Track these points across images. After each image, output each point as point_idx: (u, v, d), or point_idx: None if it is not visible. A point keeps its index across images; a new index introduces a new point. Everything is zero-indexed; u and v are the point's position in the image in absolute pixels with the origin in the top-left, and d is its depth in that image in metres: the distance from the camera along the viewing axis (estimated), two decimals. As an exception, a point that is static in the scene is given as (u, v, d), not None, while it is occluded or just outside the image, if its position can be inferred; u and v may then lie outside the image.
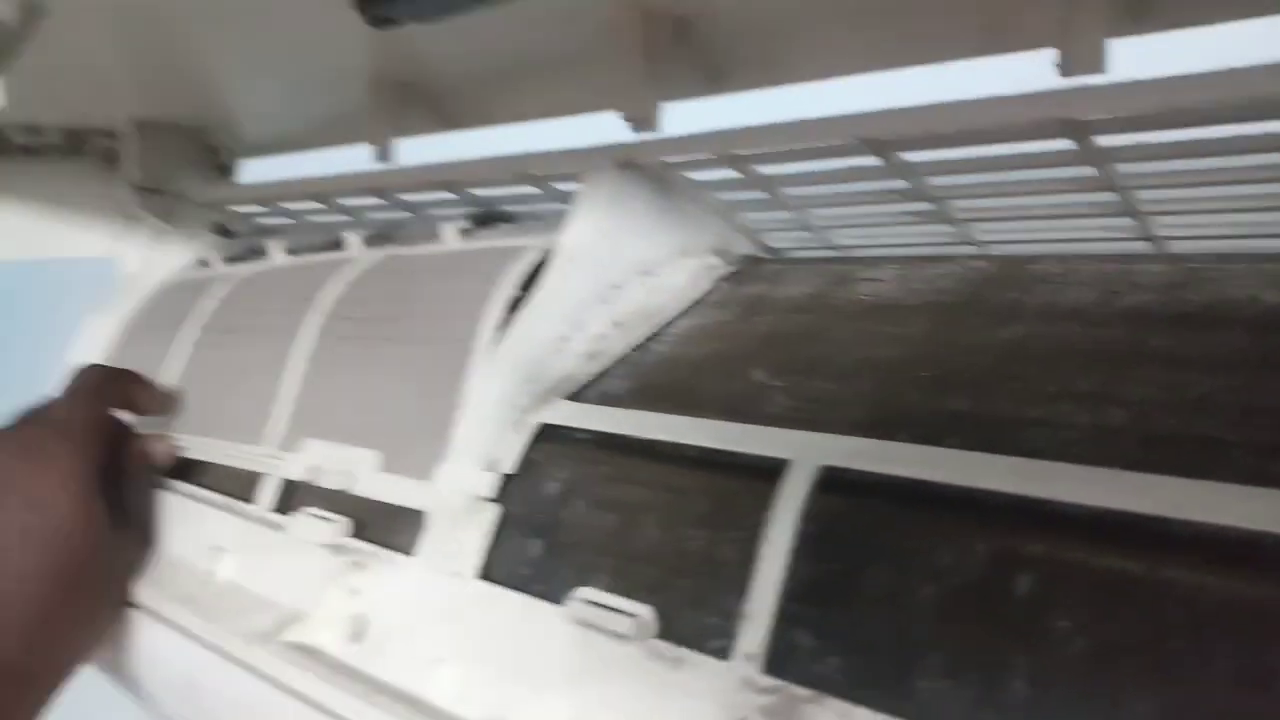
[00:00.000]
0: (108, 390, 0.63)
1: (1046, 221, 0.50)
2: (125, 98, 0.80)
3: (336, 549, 0.51)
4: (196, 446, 0.64)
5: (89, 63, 0.66)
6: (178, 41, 0.61)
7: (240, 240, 0.85)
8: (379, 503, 0.51)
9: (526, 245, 0.55)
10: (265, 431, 0.60)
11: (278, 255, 0.74)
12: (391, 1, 0.46)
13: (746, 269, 0.57)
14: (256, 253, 0.77)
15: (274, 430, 0.60)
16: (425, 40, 0.50)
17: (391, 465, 0.51)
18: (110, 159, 0.90)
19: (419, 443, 0.50)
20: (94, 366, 0.66)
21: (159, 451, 0.64)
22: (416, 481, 0.49)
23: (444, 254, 0.60)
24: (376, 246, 0.67)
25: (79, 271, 0.96)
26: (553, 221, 0.59)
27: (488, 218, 0.65)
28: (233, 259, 0.79)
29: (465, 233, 0.62)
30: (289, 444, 0.58)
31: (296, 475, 0.56)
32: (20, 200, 0.87)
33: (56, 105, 0.81)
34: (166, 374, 0.70)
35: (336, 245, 0.70)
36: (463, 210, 0.71)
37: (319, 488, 0.55)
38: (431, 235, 0.63)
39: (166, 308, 0.79)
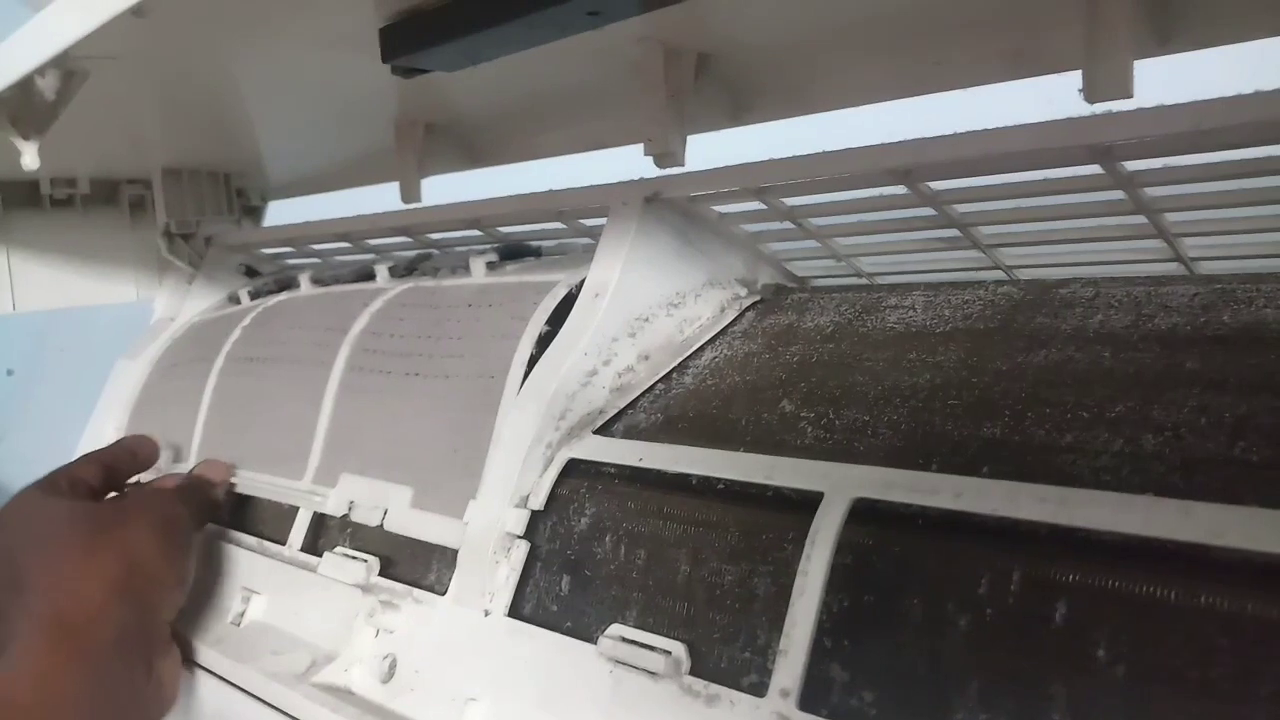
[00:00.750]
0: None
1: (1074, 245, 0.49)
2: (155, 149, 0.82)
3: (367, 588, 0.51)
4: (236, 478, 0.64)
5: (121, 118, 0.67)
6: (208, 93, 0.62)
7: (269, 275, 0.86)
8: (409, 540, 0.51)
9: (555, 279, 0.55)
10: (300, 465, 0.60)
11: (306, 286, 0.74)
12: (416, 53, 0.47)
13: (773, 298, 0.57)
14: (285, 286, 0.78)
15: (310, 464, 0.60)
16: (450, 82, 0.51)
17: (422, 502, 0.51)
18: (140, 207, 0.91)
19: (450, 479, 0.50)
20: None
21: (219, 473, 0.64)
22: (447, 519, 0.49)
23: (473, 287, 0.61)
24: (404, 279, 0.67)
25: (112, 317, 0.98)
26: (581, 255, 0.60)
27: (515, 251, 0.65)
28: (260, 293, 0.80)
29: (492, 266, 0.62)
30: (324, 478, 0.58)
31: (332, 510, 0.55)
32: (54, 250, 0.89)
33: (89, 158, 0.83)
34: (200, 408, 0.71)
35: (367, 276, 0.70)
36: (490, 245, 0.71)
37: (349, 526, 0.55)
38: (460, 268, 0.63)
39: (198, 344, 0.79)
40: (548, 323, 0.52)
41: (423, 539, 0.50)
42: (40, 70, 0.44)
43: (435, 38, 0.47)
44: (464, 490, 0.49)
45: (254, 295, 0.80)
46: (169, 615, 0.53)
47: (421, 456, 0.53)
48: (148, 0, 0.35)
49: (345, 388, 0.60)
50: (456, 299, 0.60)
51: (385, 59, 0.49)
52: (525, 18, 0.43)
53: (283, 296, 0.75)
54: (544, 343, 0.52)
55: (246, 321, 0.74)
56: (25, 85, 0.46)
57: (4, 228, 0.86)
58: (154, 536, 0.53)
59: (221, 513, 0.63)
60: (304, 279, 0.74)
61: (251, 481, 0.62)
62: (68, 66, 0.46)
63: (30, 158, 0.52)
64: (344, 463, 0.57)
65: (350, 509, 0.54)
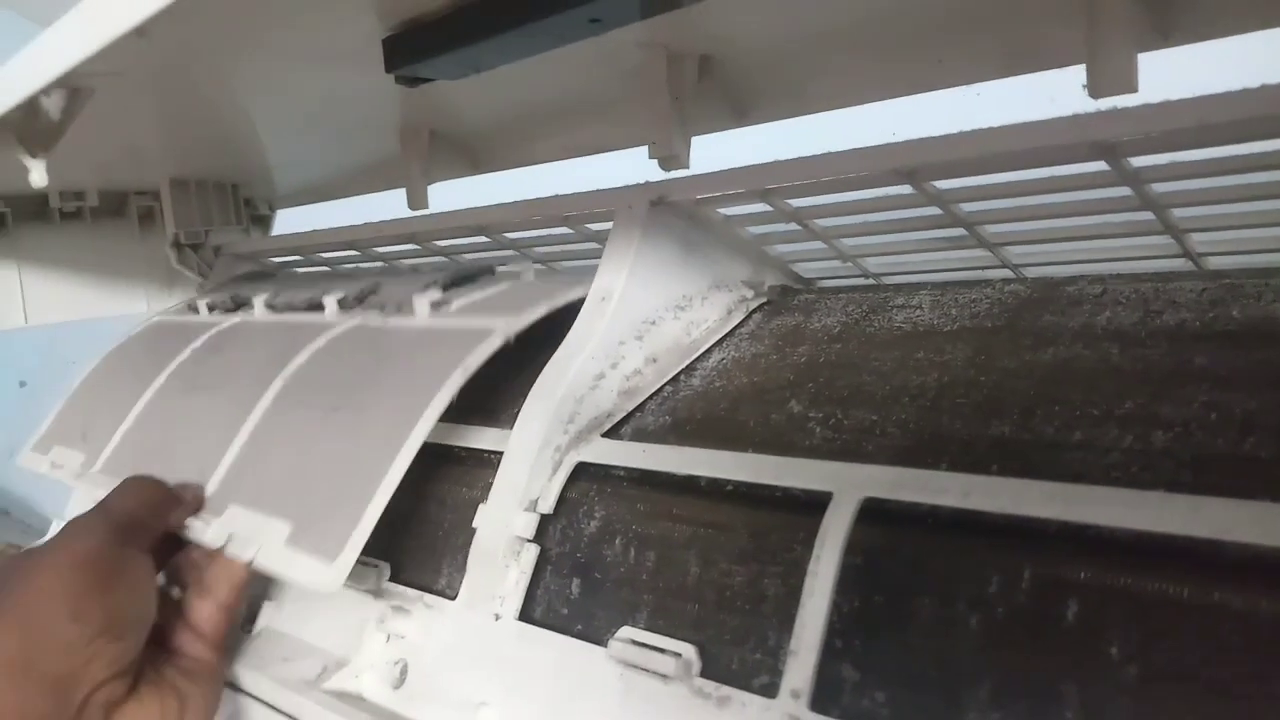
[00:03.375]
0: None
1: (1081, 242, 0.49)
2: (162, 160, 0.82)
3: (378, 593, 0.51)
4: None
5: (129, 131, 0.67)
6: (214, 105, 0.62)
7: (226, 288, 0.85)
8: (412, 544, 0.51)
9: (492, 327, 0.53)
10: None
11: (259, 309, 0.72)
12: (419, 62, 0.47)
13: (779, 300, 0.57)
14: (241, 304, 0.76)
15: (206, 491, 0.56)
16: (453, 89, 0.51)
17: (298, 539, 0.48)
18: (149, 218, 0.92)
19: (329, 519, 0.47)
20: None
21: (191, 497, 0.57)
22: (317, 560, 0.45)
23: (414, 331, 0.58)
24: (355, 308, 0.65)
25: (122, 328, 0.98)
26: (530, 289, 0.59)
27: (469, 275, 0.63)
28: (216, 307, 0.79)
29: (438, 305, 0.59)
30: (215, 507, 0.54)
31: (211, 540, 0.51)
32: (64, 263, 0.89)
33: (97, 172, 0.83)
34: (126, 420, 0.68)
35: (319, 305, 0.68)
36: (500, 252, 0.71)
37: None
38: (407, 304, 0.61)
39: (148, 353, 0.77)
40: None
41: (290, 578, 0.47)
42: (45, 90, 0.45)
43: (438, 47, 0.47)
44: (341, 532, 0.45)
45: (211, 308, 0.78)
46: (106, 672, 0.44)
47: (310, 492, 0.50)
48: (149, 21, 0.35)
49: (266, 420, 0.57)
50: (397, 342, 0.57)
51: (389, 69, 0.49)
52: (527, 26, 0.43)
53: (236, 319, 0.74)
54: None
55: (198, 344, 0.72)
56: (31, 105, 0.46)
57: (14, 242, 0.87)
58: (60, 588, 0.44)
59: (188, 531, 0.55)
60: (258, 301, 0.73)
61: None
62: (72, 85, 0.46)
63: (38, 175, 0.52)
64: (237, 493, 0.54)
65: (228, 541, 0.50)
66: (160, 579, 0.53)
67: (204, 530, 0.52)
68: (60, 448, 0.71)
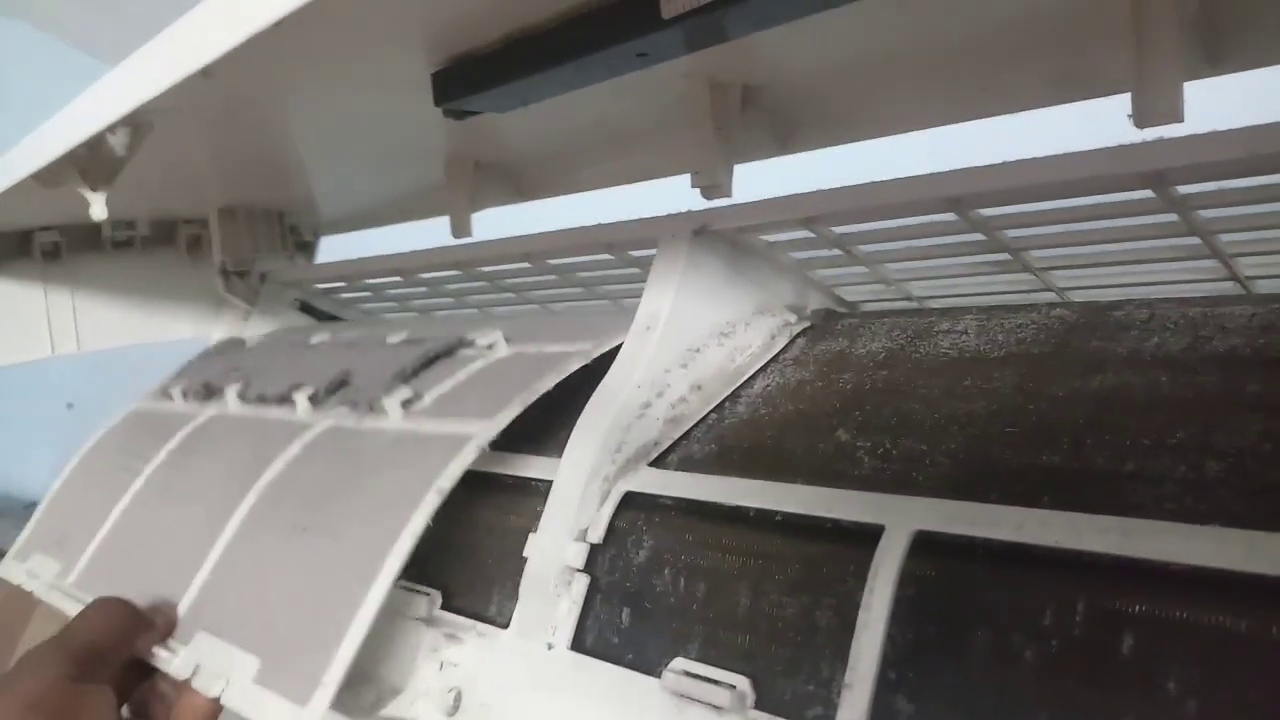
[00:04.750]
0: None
1: (1127, 267, 0.49)
2: (212, 189, 0.84)
3: (430, 621, 0.51)
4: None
5: (181, 162, 0.69)
6: (264, 136, 0.63)
7: (197, 375, 0.81)
8: (469, 570, 0.52)
9: (470, 433, 0.51)
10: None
11: (232, 402, 0.71)
12: (468, 96, 0.48)
13: (823, 324, 0.57)
14: (214, 393, 0.74)
15: (176, 615, 0.54)
16: (499, 120, 0.52)
17: (267, 678, 0.46)
18: (197, 246, 0.93)
19: (302, 656, 0.45)
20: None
21: (161, 621, 0.53)
22: (288, 703, 0.44)
23: (386, 437, 0.55)
24: (328, 402, 0.63)
25: (168, 351, 1.00)
26: (503, 381, 0.56)
27: (439, 355, 0.61)
28: (190, 393, 0.77)
29: (409, 403, 0.57)
30: (184, 633, 0.52)
31: (178, 671, 0.49)
32: (115, 290, 0.91)
33: (148, 201, 0.85)
34: (104, 528, 0.67)
35: (289, 398, 0.65)
36: (540, 278, 0.72)
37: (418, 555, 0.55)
38: (378, 402, 0.58)
39: (125, 452, 0.75)
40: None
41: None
42: (112, 128, 0.46)
43: (486, 81, 0.48)
44: (312, 672, 0.44)
45: (185, 394, 0.77)
46: None
47: (280, 624, 0.48)
48: (216, 62, 0.36)
49: (238, 538, 0.56)
50: (369, 450, 0.55)
51: (438, 103, 0.50)
52: (575, 61, 0.44)
53: (211, 410, 0.72)
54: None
55: (173, 444, 0.71)
56: (96, 141, 0.47)
57: (68, 270, 0.89)
58: None
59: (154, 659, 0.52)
60: (230, 392, 0.71)
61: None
62: (136, 121, 0.47)
63: (99, 209, 0.54)
64: (206, 619, 0.52)
65: (195, 672, 0.49)
66: (125, 711, 0.51)
67: (171, 660, 0.50)
68: (39, 555, 0.70)
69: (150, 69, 0.40)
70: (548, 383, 0.53)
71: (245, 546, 0.55)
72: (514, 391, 0.53)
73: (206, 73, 0.37)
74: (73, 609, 0.51)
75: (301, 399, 0.64)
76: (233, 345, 0.89)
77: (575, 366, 0.54)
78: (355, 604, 0.45)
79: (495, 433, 0.50)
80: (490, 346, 0.61)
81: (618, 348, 0.54)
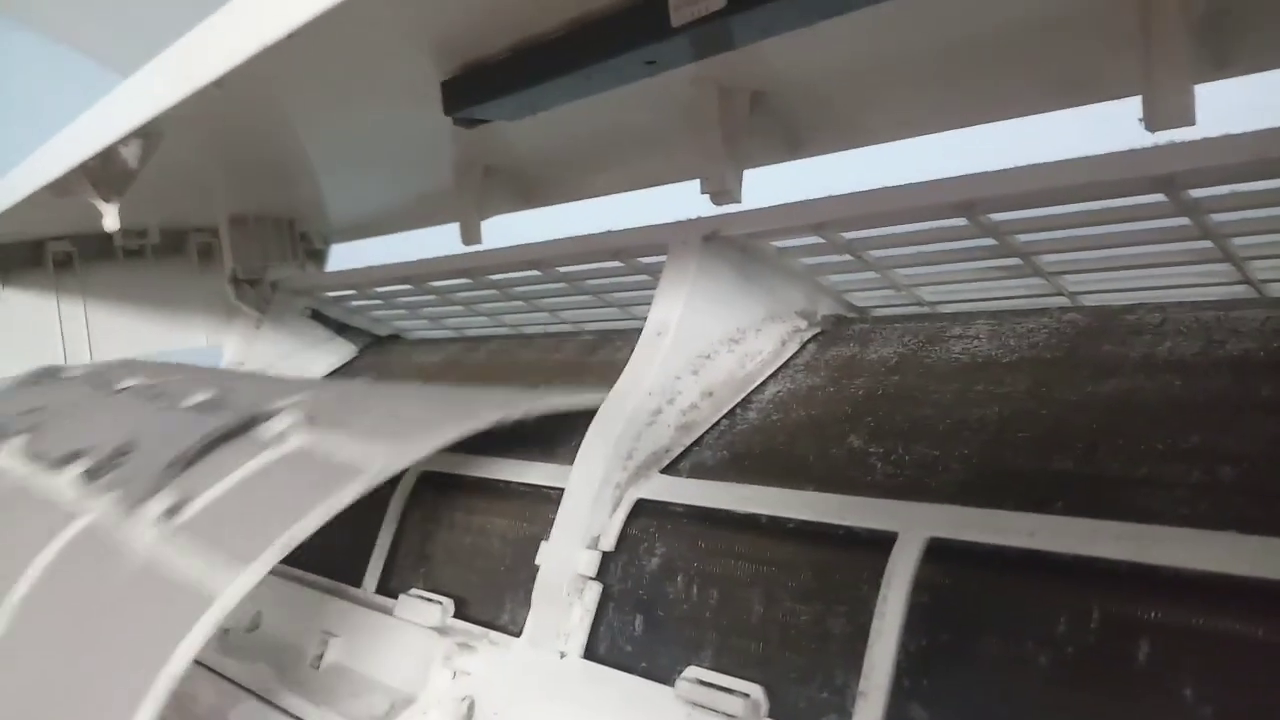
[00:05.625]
0: None
1: (1139, 270, 0.49)
2: (223, 198, 0.84)
3: (443, 630, 0.51)
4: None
5: (192, 171, 0.69)
6: (274, 144, 0.64)
7: (15, 397, 0.75)
8: (482, 580, 0.52)
9: (209, 592, 0.42)
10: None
11: (6, 455, 0.64)
12: (478, 105, 0.48)
13: (834, 330, 0.57)
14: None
15: None
16: (508, 126, 0.52)
17: None
18: (208, 254, 0.94)
19: None
20: None
21: None
22: None
23: (128, 569, 0.48)
24: (101, 478, 0.55)
25: (183, 360, 1.00)
26: (281, 500, 0.47)
27: (223, 439, 0.53)
28: None
29: (172, 512, 0.48)
30: None
31: None
32: (127, 299, 0.92)
33: (159, 210, 0.85)
34: None
35: (71, 459, 0.58)
36: (552, 285, 0.72)
37: (423, 565, 0.56)
38: (153, 489, 0.50)
39: None
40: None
41: None
42: (124, 140, 0.46)
43: (496, 90, 0.48)
44: None
45: None
46: None
47: None
48: (228, 74, 0.36)
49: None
50: (115, 579, 0.48)
51: (448, 112, 0.50)
52: (584, 69, 0.44)
53: None
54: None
55: None
56: (108, 153, 0.47)
57: (80, 280, 0.90)
58: None
59: None
60: (12, 445, 0.65)
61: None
62: (148, 133, 0.47)
63: (111, 220, 0.54)
64: None
65: None
66: None
67: None
68: None
69: (162, 80, 0.40)
70: (309, 525, 0.43)
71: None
72: (285, 521, 0.44)
73: (219, 84, 0.37)
74: None
75: (73, 474, 0.57)
76: (48, 375, 0.82)
77: (353, 495, 0.44)
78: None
79: (244, 591, 0.41)
80: (282, 435, 0.52)
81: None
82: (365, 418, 0.52)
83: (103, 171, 0.52)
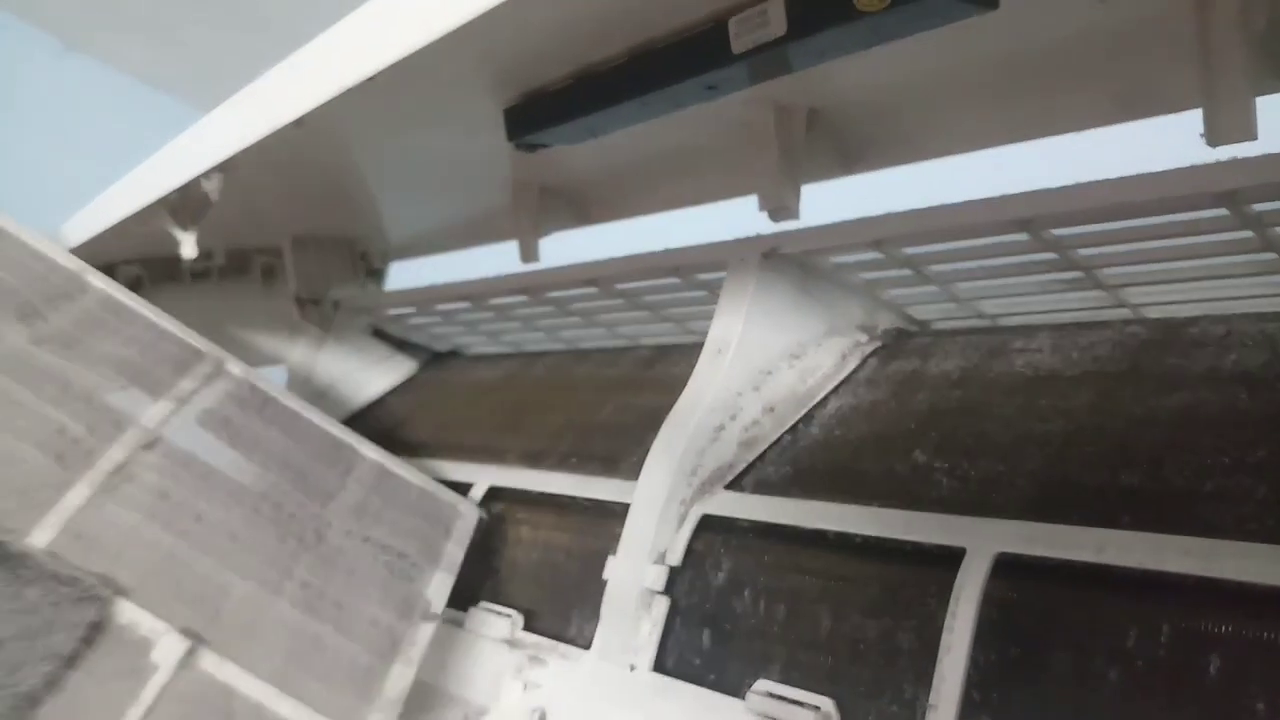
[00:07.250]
0: None
1: (1202, 282, 0.49)
2: (285, 220, 0.86)
3: (513, 643, 0.52)
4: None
5: (258, 196, 0.71)
6: (340, 170, 0.65)
7: None
8: (550, 592, 0.53)
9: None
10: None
11: None
12: (539, 131, 0.49)
13: (895, 344, 0.57)
14: None
15: None
16: (566, 148, 0.53)
17: None
18: (271, 274, 0.96)
19: None
20: None
21: None
22: None
23: None
24: None
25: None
26: None
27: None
28: None
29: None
30: None
31: None
32: (193, 320, 0.94)
33: (225, 233, 0.87)
34: None
35: None
36: (609, 301, 0.73)
37: (491, 576, 0.57)
38: None
39: None
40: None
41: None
42: (207, 174, 0.48)
43: (557, 116, 0.49)
44: None
45: None
46: None
47: None
48: (309, 114, 0.38)
49: None
50: None
51: (510, 138, 0.51)
52: (645, 95, 0.45)
53: None
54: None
55: None
56: (189, 186, 0.49)
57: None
58: None
59: None
60: None
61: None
62: (227, 167, 0.49)
63: (189, 248, 0.56)
64: None
65: None
66: None
67: None
68: None
69: (247, 119, 0.42)
70: None
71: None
72: None
73: (298, 123, 0.39)
74: None
75: None
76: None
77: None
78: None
79: None
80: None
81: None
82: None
83: (181, 203, 0.54)
